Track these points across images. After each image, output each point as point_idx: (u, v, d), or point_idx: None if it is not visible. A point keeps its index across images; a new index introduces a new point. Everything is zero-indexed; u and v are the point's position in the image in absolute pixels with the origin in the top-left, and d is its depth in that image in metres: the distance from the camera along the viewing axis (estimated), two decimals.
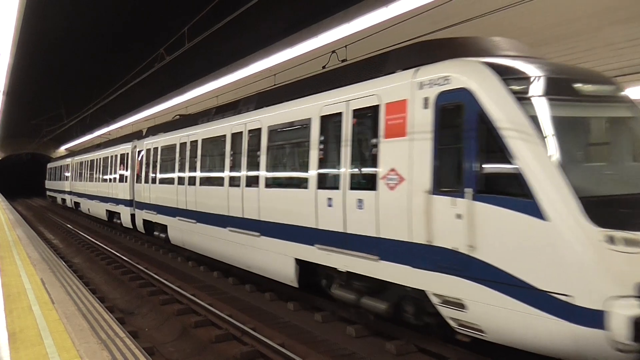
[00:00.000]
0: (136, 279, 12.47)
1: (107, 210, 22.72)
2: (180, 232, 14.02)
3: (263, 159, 9.73)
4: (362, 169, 7.26)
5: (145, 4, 15.22)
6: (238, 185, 10.61)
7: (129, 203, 18.94)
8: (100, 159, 24.47)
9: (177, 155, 14.14)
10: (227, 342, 7.69)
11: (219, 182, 11.56)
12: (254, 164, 10.09)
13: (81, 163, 29.77)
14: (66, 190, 34.86)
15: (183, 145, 13.81)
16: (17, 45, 13.61)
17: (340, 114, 7.67)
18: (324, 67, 10.68)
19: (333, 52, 11.30)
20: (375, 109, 6.96)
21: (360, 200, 7.07)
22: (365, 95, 7.21)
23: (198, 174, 12.74)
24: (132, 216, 18.66)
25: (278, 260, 9.17)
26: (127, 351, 4.66)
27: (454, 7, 8.94)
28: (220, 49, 17.08)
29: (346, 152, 7.49)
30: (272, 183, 9.52)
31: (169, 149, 15.03)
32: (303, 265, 8.62)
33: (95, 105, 24.12)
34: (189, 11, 12.97)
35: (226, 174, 11.19)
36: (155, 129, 17.77)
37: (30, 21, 12.49)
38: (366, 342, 7.55)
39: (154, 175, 16.19)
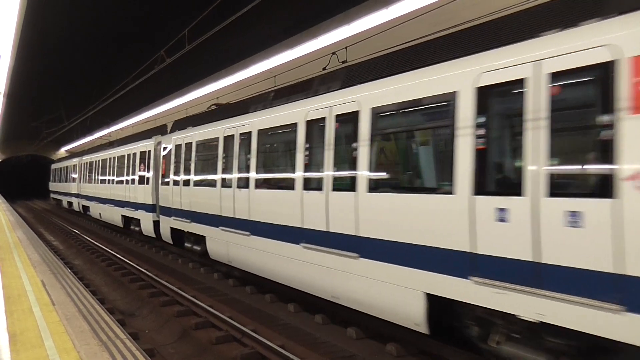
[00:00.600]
0: (136, 280, 12.47)
1: (122, 215, 20.25)
2: (226, 245, 11.16)
3: (363, 154, 7.03)
4: (576, 165, 4.85)
5: (145, 5, 15.25)
6: (319, 189, 7.85)
7: (151, 208, 16.71)
8: (114, 158, 21.77)
9: (221, 151, 11.39)
10: (227, 344, 7.69)
11: (286, 184, 8.81)
12: (346, 161, 7.44)
13: (91, 163, 26.96)
14: (73, 192, 31.93)
15: (229, 139, 11.12)
16: (18, 47, 13.63)
17: (520, 82, 5.16)
18: (324, 69, 10.70)
19: (333, 53, 11.33)
20: (603, 68, 4.53)
21: (574, 214, 4.63)
22: (578, 50, 4.73)
23: (252, 174, 9.98)
24: (156, 223, 16.41)
25: (393, 293, 6.54)
26: (128, 353, 4.66)
27: (454, 7, 8.96)
28: (220, 50, 17.11)
29: (538, 138, 4.94)
30: (381, 186, 6.87)
31: (208, 144, 12.23)
32: (436, 303, 6.08)
33: (95, 107, 24.14)
34: (189, 13, 13.01)
35: (298, 174, 8.47)
36: (185, 122, 15.09)
37: (30, 23, 12.51)
38: (366, 344, 7.55)
39: (186, 175, 13.39)
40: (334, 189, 7.58)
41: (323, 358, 6.81)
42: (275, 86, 12.73)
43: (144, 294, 11.07)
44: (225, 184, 11.16)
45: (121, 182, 20.28)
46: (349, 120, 7.40)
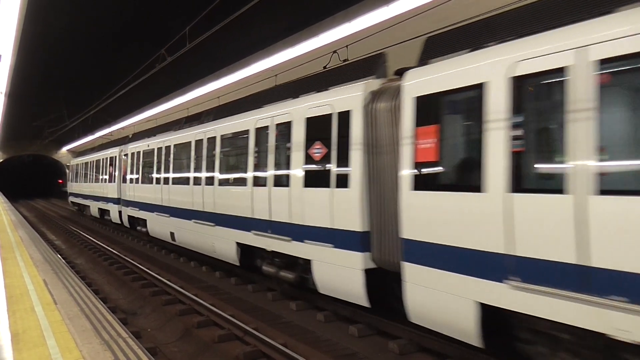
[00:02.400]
0: (138, 279, 12.48)
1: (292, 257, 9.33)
2: None
3: None
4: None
5: (146, 4, 15.23)
6: None
7: (356, 241, 7.47)
8: (228, 137, 11.41)
9: None
10: (229, 342, 7.69)
11: None
12: None
13: (149, 152, 16.81)
14: (109, 197, 21.96)
15: None
16: (19, 47, 13.64)
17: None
18: (325, 67, 10.68)
19: (334, 52, 11.31)
20: None
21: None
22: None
23: None
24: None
25: None
26: (130, 352, 4.66)
27: (455, 4, 8.94)
28: (221, 49, 17.09)
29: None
30: None
31: None
32: None
33: (97, 106, 24.17)
34: (189, 11, 13.00)
35: None
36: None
37: (31, 22, 12.52)
38: (369, 342, 7.56)
39: None
40: None
41: (325, 356, 6.81)
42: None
43: (146, 292, 11.08)
44: None
45: (239, 180, 10.73)
46: None
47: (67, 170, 54.42)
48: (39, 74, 23.35)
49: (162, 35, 15.12)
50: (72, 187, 33.19)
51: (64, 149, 52.71)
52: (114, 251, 16.28)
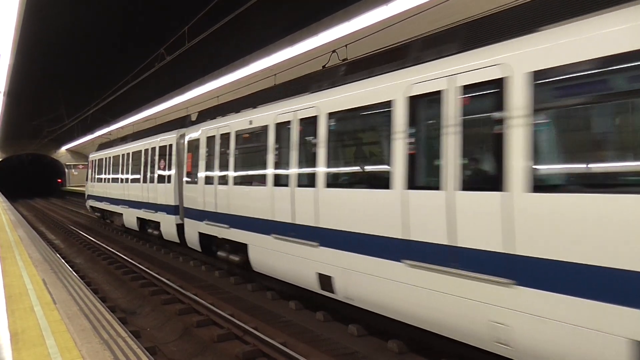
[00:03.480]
0: (138, 278, 12.47)
1: None
2: None
3: None
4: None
5: (146, 4, 15.23)
6: None
7: None
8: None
9: None
10: (229, 342, 7.70)
11: None
12: None
13: (263, 131, 9.39)
14: (160, 203, 15.47)
15: None
16: (17, 46, 13.62)
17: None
18: (324, 67, 10.67)
19: (333, 51, 11.30)
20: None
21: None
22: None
23: None
24: None
25: None
26: (129, 351, 4.66)
27: (454, 4, 8.93)
28: (220, 48, 17.09)
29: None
30: None
31: None
32: None
33: (96, 106, 24.15)
34: (189, 11, 12.99)
35: None
36: None
37: (30, 21, 12.50)
38: (368, 341, 7.56)
39: None
40: None
41: (325, 355, 6.81)
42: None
43: (146, 292, 11.08)
44: None
45: None
46: None
47: (67, 170, 54.50)
48: (38, 73, 23.36)
49: (162, 34, 15.11)
50: (93, 188, 25.22)
51: (63, 148, 52.73)
52: (112, 250, 16.27)
